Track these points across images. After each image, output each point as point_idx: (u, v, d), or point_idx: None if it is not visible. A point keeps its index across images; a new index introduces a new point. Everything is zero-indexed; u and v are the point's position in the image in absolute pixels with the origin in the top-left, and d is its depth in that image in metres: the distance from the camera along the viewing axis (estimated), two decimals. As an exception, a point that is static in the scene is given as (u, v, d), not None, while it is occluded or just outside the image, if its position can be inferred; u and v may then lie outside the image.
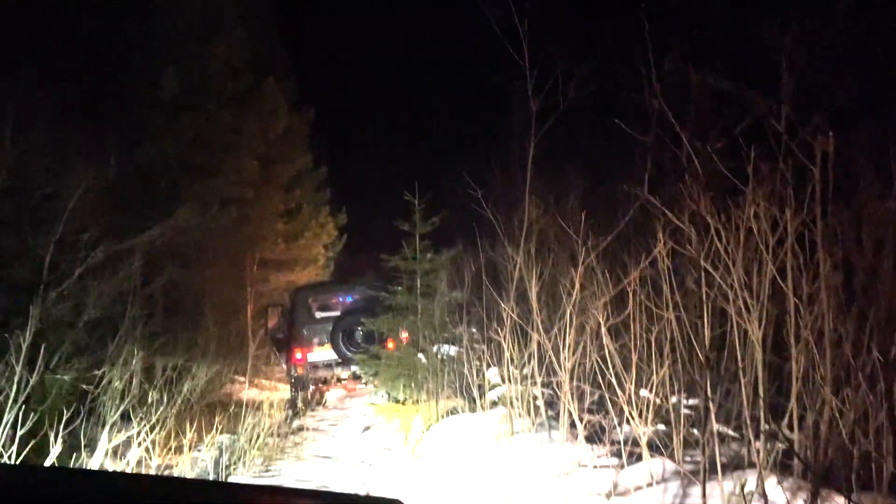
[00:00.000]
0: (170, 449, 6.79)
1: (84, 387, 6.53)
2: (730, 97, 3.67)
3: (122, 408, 5.42)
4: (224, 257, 14.30)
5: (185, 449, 6.20)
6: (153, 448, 5.54)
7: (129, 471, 5.00)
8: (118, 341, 7.40)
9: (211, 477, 7.32)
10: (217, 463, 7.93)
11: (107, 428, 5.04)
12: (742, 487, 3.26)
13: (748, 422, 4.35)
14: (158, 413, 5.77)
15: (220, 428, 8.66)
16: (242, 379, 14.75)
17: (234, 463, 8.00)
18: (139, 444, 5.20)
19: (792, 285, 3.92)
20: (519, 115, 6.59)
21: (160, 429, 6.24)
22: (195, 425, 7.21)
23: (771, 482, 3.66)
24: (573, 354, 4.65)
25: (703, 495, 2.29)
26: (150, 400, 6.35)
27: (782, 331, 4.16)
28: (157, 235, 8.91)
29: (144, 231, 8.84)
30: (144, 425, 5.37)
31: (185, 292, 12.60)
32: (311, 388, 13.17)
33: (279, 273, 18.18)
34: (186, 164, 11.02)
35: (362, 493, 6.30)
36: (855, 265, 4.27)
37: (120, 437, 5.16)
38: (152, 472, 5.22)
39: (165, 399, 6.95)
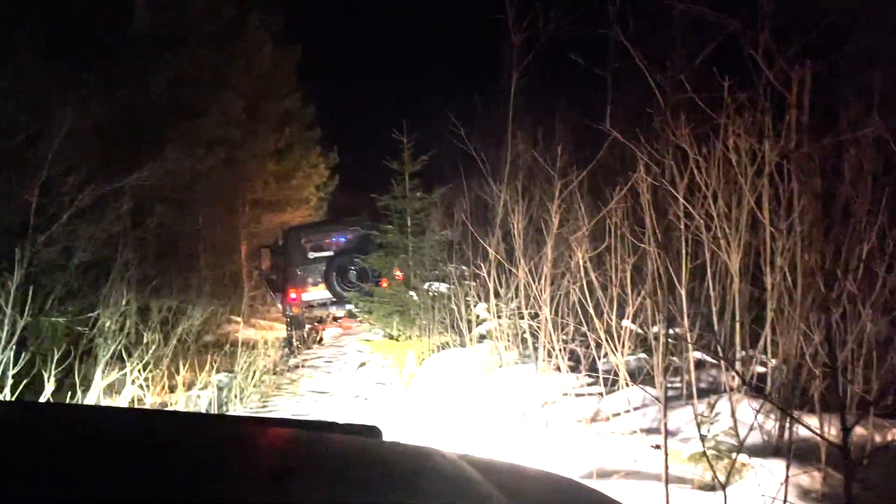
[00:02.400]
0: (165, 387, 6.95)
1: (79, 329, 6.63)
2: (708, 24, 3.63)
3: (113, 348, 5.52)
4: (215, 199, 14.26)
5: (181, 387, 6.34)
6: (148, 386, 5.67)
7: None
8: (111, 284, 7.47)
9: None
10: (216, 400, 8.13)
11: (99, 367, 5.15)
12: (711, 408, 3.38)
13: (725, 349, 4.47)
14: (151, 352, 5.88)
15: (216, 367, 8.83)
16: (239, 319, 14.95)
17: (232, 400, 8.20)
18: (133, 381, 5.32)
19: (769, 216, 3.96)
20: (507, 50, 6.49)
21: (155, 368, 6.37)
22: (188, 364, 7.35)
23: (744, 405, 3.78)
24: (550, 286, 4.72)
25: (665, 416, 2.38)
26: (145, 340, 6.46)
27: (760, 261, 4.23)
28: (144, 177, 8.86)
29: (132, 173, 8.79)
30: (137, 364, 5.48)
31: (177, 234, 12.61)
32: (307, 326, 13.38)
33: (271, 214, 18.18)
34: (170, 103, 10.86)
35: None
36: (834, 194, 4.31)
37: (113, 376, 5.28)
38: (147, 406, 5.37)
39: (161, 339, 7.08)
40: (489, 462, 1.38)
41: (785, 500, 1.97)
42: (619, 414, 4.25)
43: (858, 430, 3.81)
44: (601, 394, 4.92)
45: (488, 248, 5.15)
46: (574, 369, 5.43)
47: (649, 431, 3.90)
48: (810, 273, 3.56)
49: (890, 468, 3.43)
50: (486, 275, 5.36)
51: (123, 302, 6.42)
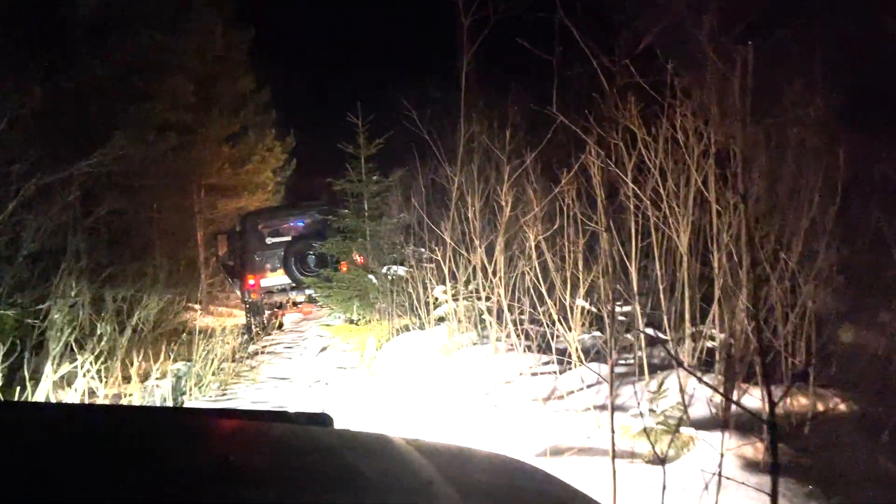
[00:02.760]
0: (123, 378, 6.84)
1: (29, 321, 6.48)
2: (656, 6, 3.68)
3: (63, 339, 5.41)
4: (168, 185, 13.97)
5: (135, 378, 6.25)
6: (101, 378, 5.58)
7: (76, 401, 5.06)
8: (61, 274, 7.30)
9: (169, 404, 7.43)
10: (173, 390, 8.04)
11: (49, 360, 5.04)
12: (660, 384, 3.47)
13: (675, 325, 4.59)
14: (103, 343, 5.77)
15: (174, 356, 8.73)
16: (197, 307, 14.75)
17: (191, 389, 8.12)
18: (85, 374, 5.23)
19: (715, 195, 4.06)
20: (460, 33, 6.46)
21: (109, 359, 6.26)
22: (143, 354, 7.24)
23: (693, 380, 3.90)
24: (504, 268, 4.78)
25: (612, 394, 2.46)
26: (98, 331, 6.34)
27: (708, 240, 4.34)
28: (93, 165, 8.63)
29: (80, 160, 8.56)
30: (89, 356, 5.38)
31: (130, 222, 12.36)
32: (267, 312, 13.27)
33: (228, 199, 17.91)
34: (118, 88, 10.57)
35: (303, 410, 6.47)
36: (779, 173, 4.43)
37: (64, 369, 5.18)
38: (99, 401, 5.29)
39: (115, 329, 6.95)
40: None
41: (720, 472, 2.05)
42: (573, 392, 4.34)
43: (802, 401, 3.98)
44: (556, 372, 5.01)
45: (441, 233, 5.17)
46: (531, 349, 5.51)
47: (603, 408, 3.99)
48: (754, 251, 3.66)
49: (828, 435, 3.58)
50: (441, 258, 5.38)
51: (73, 293, 6.27)
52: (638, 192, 4.03)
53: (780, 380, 3.83)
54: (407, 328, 8.17)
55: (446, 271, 4.93)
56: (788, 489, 2.89)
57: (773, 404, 1.64)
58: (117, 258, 10.62)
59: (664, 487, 1.86)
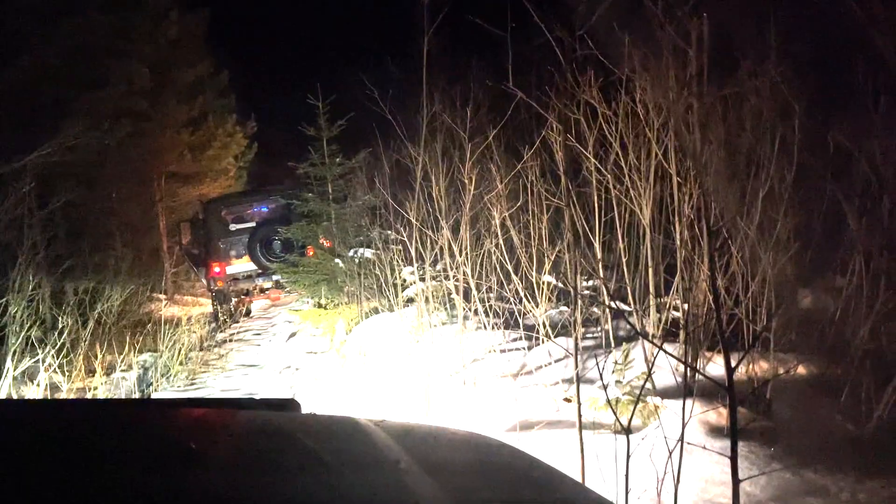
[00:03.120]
0: (87, 372, 6.72)
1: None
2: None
3: (23, 334, 5.29)
4: (127, 173, 13.65)
5: (99, 371, 6.14)
6: (64, 372, 5.48)
7: (39, 397, 4.96)
8: (18, 268, 7.11)
9: (136, 395, 7.34)
10: (140, 381, 7.94)
11: (10, 355, 4.93)
12: (626, 355, 3.53)
13: (640, 297, 4.66)
14: (64, 337, 5.66)
15: (139, 347, 8.60)
16: (162, 297, 14.53)
17: (159, 380, 8.02)
18: (48, 368, 5.13)
19: (675, 167, 4.11)
20: (419, 10, 6.38)
21: (72, 352, 6.14)
22: (109, 347, 7.12)
23: (659, 350, 3.96)
24: (470, 246, 4.79)
25: (577, 367, 2.49)
26: (59, 325, 6.21)
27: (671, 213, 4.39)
28: (46, 155, 8.39)
29: (32, 151, 8.30)
30: (50, 350, 5.27)
31: (88, 213, 12.07)
32: (234, 300, 13.13)
33: (189, 187, 17.57)
34: (70, 75, 10.25)
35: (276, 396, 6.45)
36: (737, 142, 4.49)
37: (25, 364, 5.07)
38: (63, 395, 5.19)
39: (77, 322, 6.81)
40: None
41: (682, 439, 2.09)
42: (541, 367, 4.38)
43: (764, 365, 4.08)
44: (525, 348, 5.06)
45: (406, 214, 5.15)
46: (499, 326, 5.54)
47: (571, 381, 4.03)
48: (714, 221, 3.72)
49: (789, 397, 3.68)
50: (407, 239, 5.37)
51: (31, 287, 6.12)
52: (599, 166, 4.05)
53: (743, 347, 3.91)
54: (376, 310, 8.15)
55: (413, 252, 4.92)
56: (752, 451, 2.97)
57: (730, 371, 1.67)
58: (76, 250, 10.39)
59: (628, 456, 1.89)
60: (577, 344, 2.53)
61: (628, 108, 4.28)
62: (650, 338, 3.94)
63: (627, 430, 1.98)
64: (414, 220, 4.77)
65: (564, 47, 3.37)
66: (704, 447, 2.32)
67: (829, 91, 4.67)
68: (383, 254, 7.36)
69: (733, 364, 2.02)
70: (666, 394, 3.69)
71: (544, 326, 4.34)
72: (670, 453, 2.16)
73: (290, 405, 1.41)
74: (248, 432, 1.21)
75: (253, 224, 12.53)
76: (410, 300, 7.15)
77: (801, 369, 4.01)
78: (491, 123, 5.28)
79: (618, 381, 3.60)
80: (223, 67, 18.87)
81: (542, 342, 4.68)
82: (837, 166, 4.61)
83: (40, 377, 4.98)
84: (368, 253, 8.30)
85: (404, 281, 7.31)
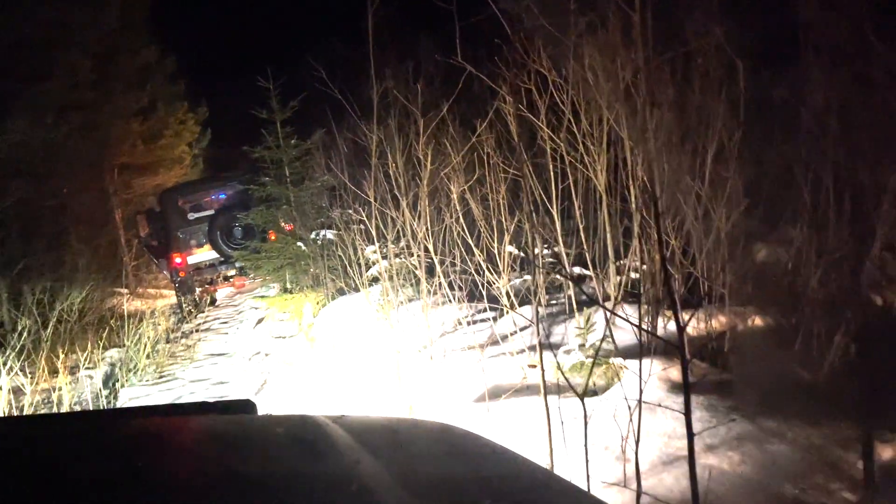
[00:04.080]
0: (51, 372, 6.61)
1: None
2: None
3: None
4: (78, 167, 13.32)
5: (62, 371, 6.05)
6: (27, 374, 5.38)
7: (2, 400, 4.87)
8: (-31, 272, 6.94)
9: (103, 392, 7.26)
10: (107, 378, 7.84)
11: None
12: (587, 320, 3.59)
13: (600, 262, 4.73)
14: (24, 338, 5.55)
15: (104, 343, 8.48)
16: (124, 291, 14.29)
17: (126, 375, 7.94)
18: (9, 371, 5.03)
19: (626, 131, 4.16)
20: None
21: (34, 353, 6.04)
22: (72, 345, 7.01)
23: (620, 312, 4.04)
24: (428, 222, 4.80)
25: (538, 334, 2.54)
26: (19, 326, 6.09)
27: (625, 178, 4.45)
28: (-11, 154, 8.15)
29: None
30: (11, 353, 5.18)
31: (40, 210, 11.76)
32: (198, 290, 12.98)
33: (144, 177, 17.23)
34: (12, 70, 9.91)
35: (253, 394, 6.46)
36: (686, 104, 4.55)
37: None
38: (27, 397, 5.10)
39: (37, 323, 6.69)
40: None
41: (640, 398, 2.15)
42: (507, 337, 4.44)
43: (723, 320, 4.19)
44: (491, 319, 5.11)
45: (364, 194, 5.14)
46: (464, 299, 5.59)
47: (535, 349, 4.10)
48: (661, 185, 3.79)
49: (746, 350, 3.79)
50: (366, 218, 5.36)
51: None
52: (552, 135, 4.08)
53: (700, 303, 4.02)
54: (342, 291, 8.15)
55: (373, 231, 4.92)
56: (711, 404, 3.07)
57: (681, 330, 1.72)
58: (30, 249, 10.14)
59: (585, 418, 1.94)
60: (536, 312, 2.57)
61: (579, 75, 4.30)
62: (610, 301, 4.01)
63: (584, 395, 2.03)
64: (371, 199, 4.75)
65: (511, 19, 3.38)
66: (659, 405, 2.39)
67: (772, 46, 4.75)
68: (345, 234, 7.34)
69: (685, 321, 2.08)
70: (630, 354, 3.78)
71: (508, 297, 4.39)
72: (631, 413, 2.22)
73: (245, 407, 1.37)
74: (200, 440, 1.18)
75: (212, 212, 12.35)
76: (375, 279, 7.16)
77: (757, 321, 4.13)
78: (445, 98, 5.26)
79: (581, 345, 3.67)
80: (171, 53, 18.42)
81: (507, 313, 4.74)
82: (784, 121, 4.71)
83: (2, 381, 4.90)
84: (330, 234, 8.27)
85: (368, 260, 7.31)
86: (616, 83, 3.92)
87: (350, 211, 7.82)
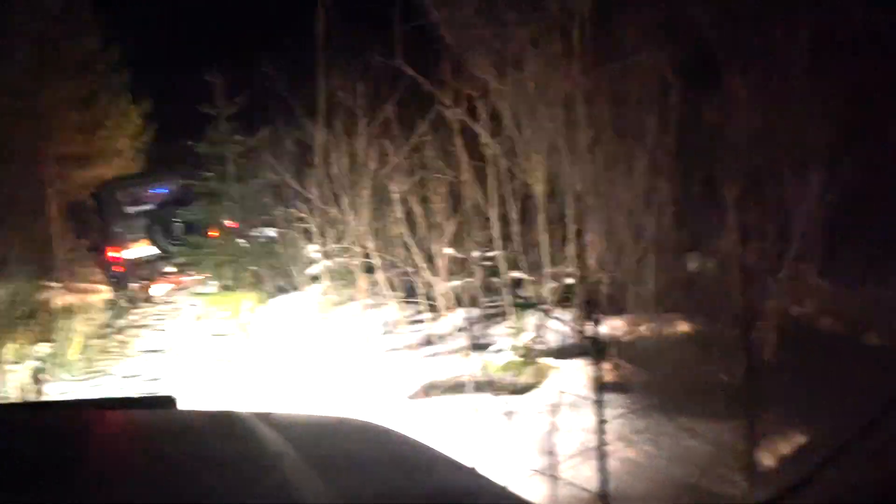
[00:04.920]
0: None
1: None
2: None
3: None
4: (9, 156, 12.85)
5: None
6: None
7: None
8: None
9: (32, 386, 7.05)
10: (35, 372, 7.62)
11: None
12: (520, 321, 3.71)
13: (536, 267, 4.87)
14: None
15: (34, 337, 8.24)
16: (57, 285, 13.82)
17: (56, 370, 7.73)
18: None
19: (566, 142, 4.31)
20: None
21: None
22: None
23: (554, 315, 4.18)
24: (368, 222, 4.87)
25: (470, 332, 2.64)
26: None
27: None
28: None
29: None
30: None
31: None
32: (136, 285, 12.66)
33: (82, 169, 16.65)
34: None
35: (176, 392, 6.39)
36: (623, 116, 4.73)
37: None
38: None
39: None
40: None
41: (560, 396, 2.26)
42: (444, 336, 4.53)
43: (651, 325, 4.37)
44: (430, 319, 5.20)
45: (307, 193, 5.17)
46: (403, 299, 5.66)
47: (469, 349, 4.20)
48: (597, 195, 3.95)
49: (671, 353, 3.97)
50: (309, 217, 5.39)
51: None
52: (492, 141, 4.20)
53: (590, 309, 4.17)
54: (283, 290, 8.11)
55: (315, 229, 4.95)
56: (633, 402, 3.22)
57: (595, 333, 1.83)
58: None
59: (511, 414, 2.03)
60: (468, 316, 2.66)
61: (518, 84, 4.43)
62: (543, 305, 4.15)
63: (515, 392, 2.13)
64: (315, 198, 4.78)
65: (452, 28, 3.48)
66: (577, 397, 2.51)
67: (704, 71, 4.98)
68: (287, 232, 7.32)
69: (608, 324, 2.20)
70: (560, 354, 3.91)
71: (446, 298, 4.49)
72: (552, 408, 2.33)
73: (165, 402, 1.37)
74: (118, 434, 1.17)
75: (152, 206, 12.07)
76: (316, 278, 7.16)
77: (683, 327, 4.32)
78: (390, 101, 5.33)
79: (513, 346, 3.78)
80: (114, 43, 17.89)
81: (445, 313, 4.83)
82: (713, 139, 4.94)
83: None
84: (272, 232, 8.22)
85: (309, 259, 7.30)
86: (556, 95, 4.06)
87: (292, 209, 7.81)
